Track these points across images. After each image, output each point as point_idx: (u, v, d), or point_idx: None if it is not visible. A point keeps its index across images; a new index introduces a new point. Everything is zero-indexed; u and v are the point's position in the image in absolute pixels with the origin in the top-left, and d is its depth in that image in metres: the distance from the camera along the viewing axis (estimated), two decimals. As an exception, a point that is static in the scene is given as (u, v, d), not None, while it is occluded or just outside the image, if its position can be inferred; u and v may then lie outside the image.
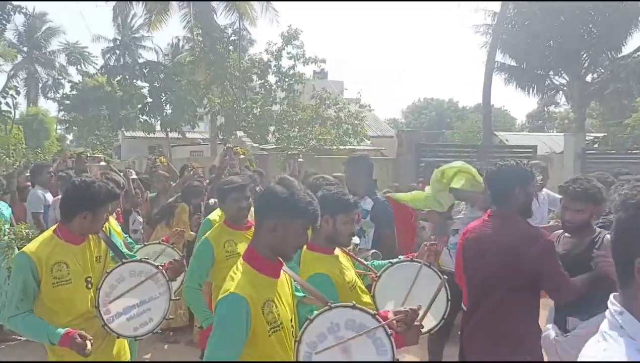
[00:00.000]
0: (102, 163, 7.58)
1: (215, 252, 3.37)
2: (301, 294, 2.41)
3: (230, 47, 18.31)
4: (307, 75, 18.72)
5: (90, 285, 2.82)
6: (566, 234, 3.23)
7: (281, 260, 2.14)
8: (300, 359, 2.09)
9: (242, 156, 7.69)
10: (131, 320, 2.84)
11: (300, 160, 8.42)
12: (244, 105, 17.40)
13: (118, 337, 2.86)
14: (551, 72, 24.15)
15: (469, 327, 3.05)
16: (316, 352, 2.09)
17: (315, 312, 2.20)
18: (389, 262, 3.14)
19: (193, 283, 3.34)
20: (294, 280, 2.31)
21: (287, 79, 18.05)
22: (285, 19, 69.59)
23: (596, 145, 12.64)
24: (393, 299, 2.93)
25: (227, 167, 6.67)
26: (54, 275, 2.68)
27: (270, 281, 2.09)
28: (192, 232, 5.33)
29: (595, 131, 24.99)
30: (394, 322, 2.13)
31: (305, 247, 2.31)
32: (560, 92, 25.73)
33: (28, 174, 7.23)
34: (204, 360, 1.95)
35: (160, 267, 2.94)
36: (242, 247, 3.40)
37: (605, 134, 14.24)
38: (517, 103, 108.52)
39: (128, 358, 3.09)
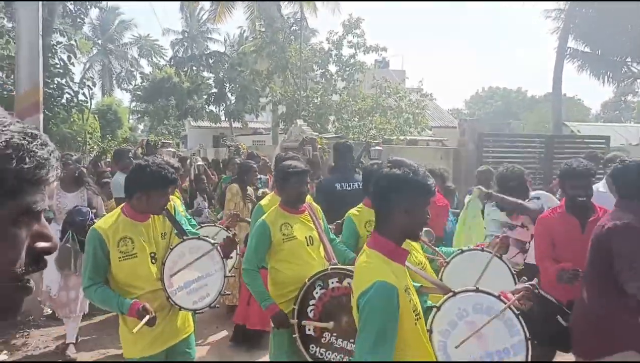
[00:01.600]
0: (171, 149, 7.94)
1: (272, 234, 3.43)
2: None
3: (292, 37, 18.48)
4: (368, 64, 18.62)
5: (154, 260, 2.98)
6: None
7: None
8: (435, 349, 2.13)
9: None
10: (191, 294, 3.00)
11: (379, 148, 8.38)
12: (304, 95, 17.54)
13: (180, 309, 3.02)
14: (628, 59, 22.66)
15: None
16: (455, 346, 2.13)
17: (442, 299, 2.24)
18: (460, 249, 3.14)
19: (251, 265, 3.41)
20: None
21: (347, 68, 18.01)
22: (347, 8, 69.28)
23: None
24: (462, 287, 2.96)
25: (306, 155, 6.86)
26: (120, 250, 2.87)
27: (401, 268, 2.07)
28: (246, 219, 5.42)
29: (677, 121, 23.23)
30: (517, 301, 2.20)
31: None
32: (639, 80, 24.14)
33: (107, 160, 7.69)
34: (362, 352, 1.86)
35: (216, 245, 3.07)
36: (297, 230, 3.50)
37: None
38: (592, 92, 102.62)
39: (192, 330, 3.25)
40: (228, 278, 3.15)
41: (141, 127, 38.94)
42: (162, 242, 3.05)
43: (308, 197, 4.36)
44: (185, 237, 3.09)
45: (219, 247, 3.07)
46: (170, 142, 8.88)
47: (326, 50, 18.10)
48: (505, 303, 2.16)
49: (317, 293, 3.13)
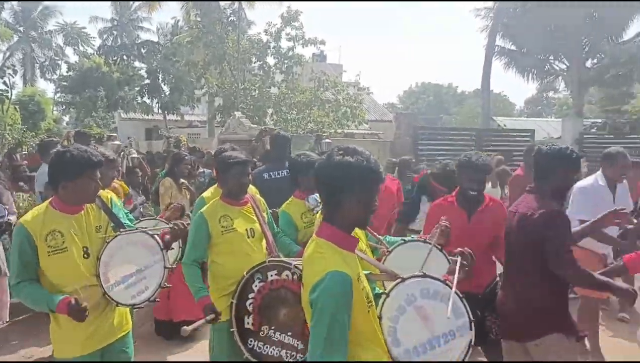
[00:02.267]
0: (117, 142, 7.55)
1: (210, 227, 3.36)
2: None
3: (229, 28, 18.13)
4: (306, 57, 18.63)
5: (87, 255, 2.81)
6: None
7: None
8: (385, 334, 2.13)
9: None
10: (129, 289, 2.86)
11: (328, 141, 8.34)
12: (242, 87, 17.29)
13: (117, 305, 2.87)
14: (551, 57, 24.08)
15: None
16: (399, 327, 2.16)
17: (391, 286, 2.24)
18: (402, 239, 3.18)
19: (189, 259, 3.35)
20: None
21: (286, 61, 17.92)
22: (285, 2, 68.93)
23: (593, 130, 12.62)
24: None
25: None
26: (48, 244, 2.70)
27: (353, 256, 2.04)
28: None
29: (593, 117, 24.96)
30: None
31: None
32: (560, 78, 25.67)
33: (24, 153, 7.21)
34: (317, 346, 1.80)
35: (155, 236, 2.95)
36: (238, 223, 3.41)
37: (604, 120, 14.22)
38: (516, 89, 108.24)
39: (129, 328, 3.11)
40: (170, 270, 3.04)
41: (66, 118, 36.97)
42: (97, 236, 2.88)
43: (254, 190, 4.30)
44: (122, 230, 2.95)
45: (157, 237, 2.95)
46: (116, 135, 8.41)
47: (264, 42, 17.92)
48: (450, 287, 2.22)
49: (256, 286, 3.08)
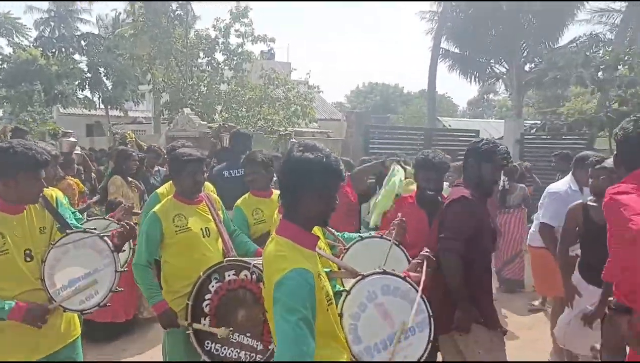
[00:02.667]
0: (72, 139, 7.14)
1: (163, 226, 3.26)
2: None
3: (176, 22, 17.66)
4: (255, 54, 18.44)
5: (29, 258, 2.68)
6: None
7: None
8: (346, 332, 2.13)
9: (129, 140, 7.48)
10: (77, 294, 2.74)
11: (293, 140, 8.21)
12: (190, 83, 16.90)
13: (65, 311, 2.75)
14: (492, 61, 25.00)
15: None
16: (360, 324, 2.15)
17: (351, 283, 2.23)
18: (359, 236, 3.19)
19: (141, 259, 3.23)
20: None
21: (235, 58, 17.67)
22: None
23: (533, 131, 13.19)
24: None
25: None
26: None
27: (313, 254, 2.01)
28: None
29: (530, 119, 26.15)
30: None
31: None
32: (500, 80, 26.72)
33: None
34: (284, 344, 1.76)
35: (105, 238, 2.83)
36: (192, 222, 3.33)
37: (542, 121, 14.91)
38: (459, 90, 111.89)
39: (78, 334, 2.98)
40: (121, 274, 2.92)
41: (0, 113, 34.94)
42: (41, 238, 2.74)
43: (211, 189, 4.21)
44: (68, 231, 2.80)
45: (107, 239, 2.82)
46: (72, 131, 7.94)
47: (213, 37, 17.58)
48: (410, 284, 2.24)
49: (212, 287, 3.03)
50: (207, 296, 3.04)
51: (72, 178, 6.07)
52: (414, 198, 3.78)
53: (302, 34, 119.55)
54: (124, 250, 3.16)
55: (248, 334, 2.90)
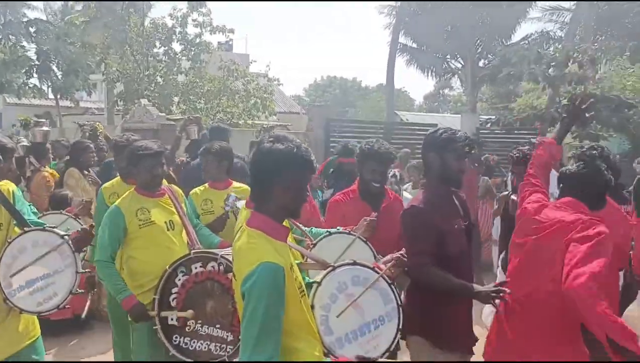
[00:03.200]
0: (45, 128, 6.78)
1: (127, 221, 3.20)
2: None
3: (131, 9, 17.12)
4: (214, 45, 18.13)
5: None
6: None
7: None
8: (318, 323, 2.12)
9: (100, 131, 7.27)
10: (35, 294, 2.66)
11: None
12: (146, 73, 16.46)
13: (21, 312, 2.67)
14: (448, 56, 25.57)
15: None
16: (336, 316, 2.16)
17: (322, 274, 2.24)
18: (328, 232, 3.21)
19: (104, 255, 3.14)
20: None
21: (193, 48, 17.31)
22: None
23: (488, 125, 13.62)
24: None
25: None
26: None
27: (284, 246, 2.00)
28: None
29: (484, 114, 26.89)
30: (389, 270, 2.33)
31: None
32: (456, 76, 27.37)
33: None
34: (249, 338, 1.76)
35: (66, 237, 2.74)
36: (156, 215, 3.29)
37: (496, 116, 15.42)
38: (416, 85, 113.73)
39: (38, 334, 2.88)
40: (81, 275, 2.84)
41: (-61, 103, 32.97)
42: None
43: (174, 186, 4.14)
44: (27, 228, 2.70)
45: (69, 240, 2.73)
46: (45, 121, 7.51)
47: (170, 26, 17.15)
48: (379, 274, 2.29)
49: (179, 280, 3.01)
50: (174, 289, 3.01)
51: (48, 169, 5.85)
52: (356, 191, 3.58)
53: (260, 26, 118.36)
54: (85, 251, 3.09)
55: (217, 325, 2.90)
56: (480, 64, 24.48)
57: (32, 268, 2.65)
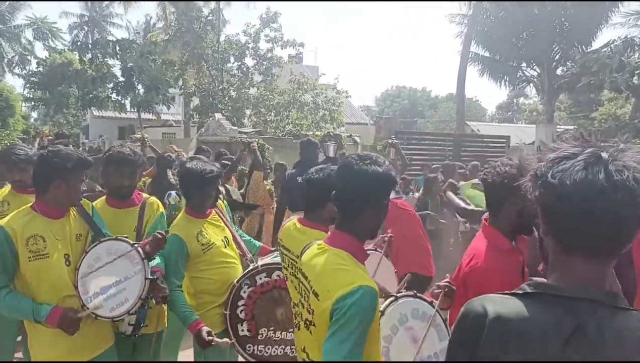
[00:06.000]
0: (138, 136, 7.19)
1: (189, 249, 3.14)
2: None
3: (208, 27, 17.95)
4: (284, 59, 18.58)
5: (69, 263, 2.72)
6: None
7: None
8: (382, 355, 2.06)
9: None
10: (108, 301, 2.73)
11: (334, 143, 7.31)
12: (220, 87, 17.15)
13: (96, 318, 2.73)
14: (523, 64, 24.63)
15: None
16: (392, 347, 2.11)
17: (384, 304, 2.21)
18: None
19: (173, 285, 3.07)
20: None
21: (264, 62, 17.85)
22: (262, 2, 68.45)
23: (566, 136, 12.97)
24: None
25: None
26: (29, 249, 2.61)
27: (365, 269, 1.99)
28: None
29: (562, 123, 25.64)
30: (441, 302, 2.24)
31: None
32: (531, 84, 26.29)
33: None
34: (338, 349, 1.72)
35: (135, 245, 2.82)
36: (212, 235, 3.24)
37: (575, 127, 14.63)
38: (488, 94, 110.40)
39: (112, 343, 2.94)
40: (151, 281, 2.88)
41: (35, 115, 35.96)
42: (77, 244, 2.78)
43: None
44: (101, 239, 2.86)
45: (139, 248, 2.81)
46: (138, 135, 7.66)
47: (243, 42, 17.80)
48: (435, 309, 2.22)
49: (245, 292, 3.08)
50: (240, 302, 3.09)
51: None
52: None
53: (330, 37, 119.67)
54: (154, 258, 3.12)
55: (291, 330, 2.94)
56: (558, 71, 23.40)
57: (106, 275, 2.75)
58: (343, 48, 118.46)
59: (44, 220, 2.69)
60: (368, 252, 3.02)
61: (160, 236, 2.86)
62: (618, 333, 1.11)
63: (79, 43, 26.15)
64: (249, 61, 18.12)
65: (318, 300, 1.86)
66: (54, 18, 67.37)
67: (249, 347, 3.09)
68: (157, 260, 3.05)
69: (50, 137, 7.81)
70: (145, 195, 3.40)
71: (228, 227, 3.44)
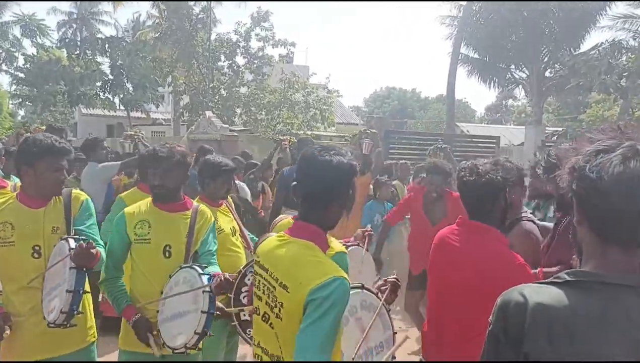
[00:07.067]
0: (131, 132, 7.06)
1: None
2: None
3: (199, 25, 17.87)
4: (275, 58, 18.55)
5: (38, 255, 2.64)
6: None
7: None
8: None
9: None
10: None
11: (369, 141, 7.01)
12: (211, 86, 17.09)
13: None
14: (512, 66, 24.84)
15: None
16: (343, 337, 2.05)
17: None
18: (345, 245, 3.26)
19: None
20: None
21: (255, 61, 17.81)
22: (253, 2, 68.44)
23: (554, 138, 13.08)
24: None
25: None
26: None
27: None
28: None
29: (550, 125, 25.86)
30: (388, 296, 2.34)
31: None
32: (520, 86, 26.52)
33: None
34: (315, 340, 1.73)
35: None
36: (223, 223, 3.46)
37: (564, 128, 14.77)
38: (477, 95, 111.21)
39: (93, 340, 2.91)
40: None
41: (22, 113, 35.54)
42: (52, 237, 2.68)
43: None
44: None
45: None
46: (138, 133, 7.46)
47: (234, 41, 17.75)
48: (381, 301, 2.28)
49: (248, 280, 3.13)
50: (244, 289, 3.13)
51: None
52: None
53: (321, 37, 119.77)
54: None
55: None
56: (547, 73, 23.62)
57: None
58: (334, 48, 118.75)
59: (20, 208, 2.65)
60: (351, 247, 3.11)
61: (230, 279, 2.74)
62: None
63: (67, 40, 25.92)
64: (240, 60, 18.10)
65: (288, 292, 1.83)
66: (42, 15, 66.67)
67: (249, 331, 3.12)
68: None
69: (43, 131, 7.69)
70: (195, 202, 3.17)
71: (236, 219, 3.62)
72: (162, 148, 3.01)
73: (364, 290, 2.24)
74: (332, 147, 1.97)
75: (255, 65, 17.73)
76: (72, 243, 2.54)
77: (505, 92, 30.79)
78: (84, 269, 2.54)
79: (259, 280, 1.98)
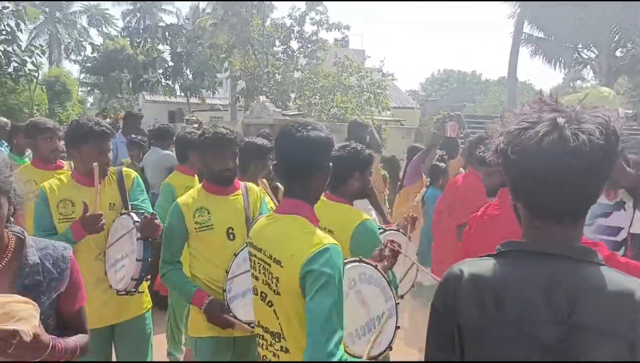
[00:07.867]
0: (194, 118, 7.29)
1: None
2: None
3: (254, 11, 18.04)
4: (330, 42, 18.47)
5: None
6: None
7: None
8: None
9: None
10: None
11: (454, 123, 6.63)
12: (265, 70, 17.25)
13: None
14: (580, 45, 23.53)
15: None
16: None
17: None
18: (381, 228, 3.20)
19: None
20: None
21: (309, 45, 17.79)
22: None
23: (625, 120, 12.31)
24: None
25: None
26: (59, 211, 2.78)
27: None
28: None
29: (622, 108, 24.35)
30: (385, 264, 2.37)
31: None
32: (588, 66, 25.11)
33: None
34: (322, 307, 1.74)
35: (137, 224, 2.83)
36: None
37: (634, 110, 13.87)
38: (542, 77, 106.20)
39: (149, 307, 3.08)
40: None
41: (90, 100, 37.40)
42: (109, 213, 2.87)
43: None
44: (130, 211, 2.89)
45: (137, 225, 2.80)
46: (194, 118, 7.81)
47: (288, 26, 17.79)
48: (380, 272, 2.29)
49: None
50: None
51: None
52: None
53: (377, 21, 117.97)
54: None
55: None
56: (618, 53, 22.23)
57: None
58: (391, 32, 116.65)
59: (76, 186, 2.84)
60: (391, 232, 3.08)
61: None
62: (594, 284, 1.15)
63: (130, 29, 26.96)
64: (294, 44, 18.12)
65: (282, 266, 1.87)
66: (107, 5, 69.51)
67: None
68: None
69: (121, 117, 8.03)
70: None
71: (273, 201, 3.62)
72: (221, 130, 2.90)
73: (362, 263, 2.26)
74: (308, 123, 2.01)
75: (309, 50, 17.71)
76: (135, 217, 2.80)
77: (572, 73, 29.21)
78: (149, 239, 2.78)
79: (254, 261, 2.04)
